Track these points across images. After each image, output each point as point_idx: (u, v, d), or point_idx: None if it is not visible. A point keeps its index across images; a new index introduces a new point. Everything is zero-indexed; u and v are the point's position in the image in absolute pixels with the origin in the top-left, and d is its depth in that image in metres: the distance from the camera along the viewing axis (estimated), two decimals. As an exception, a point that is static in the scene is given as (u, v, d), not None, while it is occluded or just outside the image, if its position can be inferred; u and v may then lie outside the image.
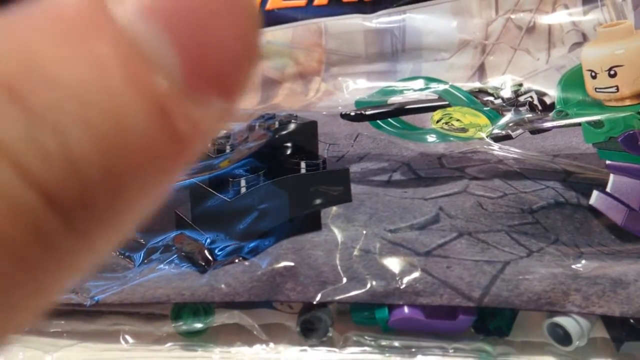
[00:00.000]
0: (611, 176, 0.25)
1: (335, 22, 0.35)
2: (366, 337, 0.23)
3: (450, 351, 0.22)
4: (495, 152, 0.26)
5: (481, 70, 0.34)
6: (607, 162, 0.25)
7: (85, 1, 0.07)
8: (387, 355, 0.22)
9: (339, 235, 0.24)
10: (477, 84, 0.33)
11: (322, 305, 0.23)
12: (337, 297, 0.23)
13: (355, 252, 0.24)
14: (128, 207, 0.08)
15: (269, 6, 0.36)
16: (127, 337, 0.23)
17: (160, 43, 0.07)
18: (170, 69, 0.07)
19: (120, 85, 0.07)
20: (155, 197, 0.08)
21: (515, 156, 0.26)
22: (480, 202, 0.25)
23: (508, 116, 0.29)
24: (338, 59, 0.35)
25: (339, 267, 0.23)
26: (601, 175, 0.25)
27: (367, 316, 0.23)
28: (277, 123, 0.29)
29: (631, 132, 0.26)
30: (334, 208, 0.25)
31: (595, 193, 0.25)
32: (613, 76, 0.30)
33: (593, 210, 0.24)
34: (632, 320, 0.22)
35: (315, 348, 0.23)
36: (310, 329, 0.23)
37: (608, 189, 0.25)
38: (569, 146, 0.26)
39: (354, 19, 0.35)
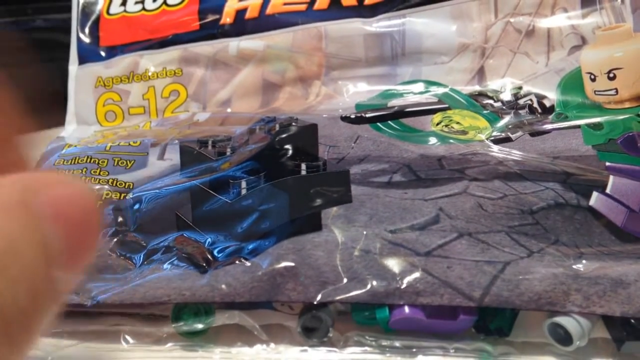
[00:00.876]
0: (611, 178, 0.25)
1: (335, 26, 0.35)
2: (367, 337, 0.23)
3: (451, 351, 0.22)
4: (495, 154, 0.26)
5: (481, 74, 0.34)
6: (607, 163, 0.25)
7: (16, 191, 0.11)
8: (387, 355, 0.22)
9: (339, 236, 0.24)
10: (476, 87, 0.33)
11: (323, 305, 0.23)
12: (338, 297, 0.23)
13: (356, 253, 0.24)
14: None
15: (269, 11, 0.36)
16: (128, 337, 0.23)
17: (55, 236, 0.11)
18: (54, 244, 0.11)
19: (25, 248, 0.11)
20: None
21: (515, 158, 0.26)
22: (480, 203, 0.25)
23: (507, 119, 0.29)
24: (338, 63, 0.35)
25: (339, 268, 0.23)
26: (601, 176, 0.25)
27: (368, 316, 0.23)
28: (277, 126, 0.29)
29: (630, 134, 0.26)
30: (335, 209, 0.25)
31: (595, 194, 0.25)
32: (612, 79, 0.30)
33: (593, 211, 0.24)
34: (632, 320, 0.22)
35: (316, 348, 0.23)
36: (310, 329, 0.23)
37: (608, 190, 0.25)
38: (568, 148, 0.26)
39: (354, 23, 0.35)
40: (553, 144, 0.26)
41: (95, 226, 0.12)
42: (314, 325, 0.23)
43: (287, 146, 0.28)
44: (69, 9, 0.38)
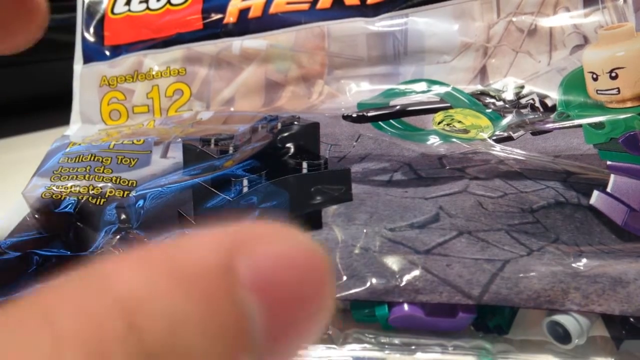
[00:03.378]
0: (612, 176, 0.25)
1: (338, 26, 0.35)
2: (366, 335, 0.23)
3: (450, 349, 0.22)
4: (496, 153, 0.26)
5: (483, 73, 0.34)
6: (608, 162, 0.25)
7: (215, 267, 0.08)
8: (387, 352, 0.22)
9: (339, 234, 0.25)
10: (478, 87, 0.33)
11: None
12: (338, 295, 0.23)
13: (356, 251, 0.24)
14: None
15: (272, 10, 0.36)
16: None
17: (255, 312, 0.08)
18: (255, 332, 0.08)
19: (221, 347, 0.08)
20: None
21: (516, 157, 0.26)
22: (481, 201, 0.25)
23: (509, 117, 0.29)
24: (341, 62, 0.35)
25: (339, 265, 0.24)
26: (602, 175, 0.25)
27: (367, 313, 0.23)
28: (279, 124, 0.29)
29: (632, 133, 0.26)
30: (335, 207, 0.25)
31: (595, 193, 0.25)
32: (614, 78, 0.30)
33: (593, 210, 0.24)
34: (632, 319, 0.22)
35: (315, 345, 0.23)
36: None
37: (609, 189, 0.25)
38: (570, 147, 0.26)
39: (357, 22, 0.35)
40: (554, 142, 0.26)
41: (319, 297, 0.09)
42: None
43: (289, 145, 0.28)
44: (69, 9, 0.38)
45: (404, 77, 0.34)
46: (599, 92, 0.30)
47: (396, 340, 0.23)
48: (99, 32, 0.38)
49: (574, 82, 0.31)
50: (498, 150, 0.26)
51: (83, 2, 0.39)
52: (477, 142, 0.27)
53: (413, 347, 0.22)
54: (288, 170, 0.27)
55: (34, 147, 0.31)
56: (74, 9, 0.38)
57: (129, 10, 0.38)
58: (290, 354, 0.09)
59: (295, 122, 0.29)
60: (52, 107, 0.40)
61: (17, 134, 0.43)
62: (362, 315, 0.23)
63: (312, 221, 0.25)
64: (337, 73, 0.35)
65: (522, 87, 0.32)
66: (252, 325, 0.08)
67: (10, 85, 0.42)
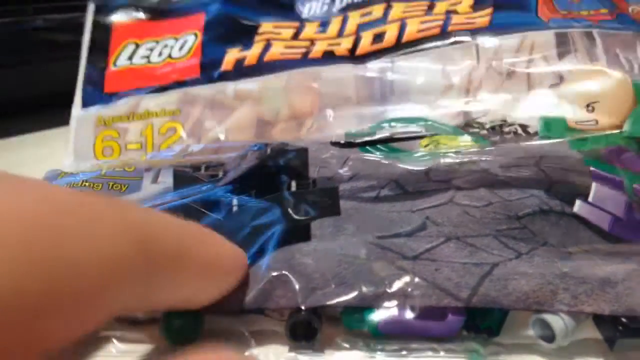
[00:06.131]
0: (593, 185, 0.26)
1: (328, 69, 0.37)
2: (356, 341, 0.22)
3: (442, 352, 0.22)
4: (482, 163, 0.27)
5: (466, 111, 0.35)
6: (592, 168, 0.26)
7: None
8: (378, 358, 0.22)
9: (327, 244, 0.25)
10: (462, 122, 0.34)
11: (312, 311, 0.23)
12: (327, 302, 0.23)
13: (344, 259, 0.24)
14: None
15: (267, 58, 0.38)
16: (117, 342, 0.23)
17: None
18: None
19: None
20: None
21: (501, 162, 0.27)
22: (467, 210, 0.25)
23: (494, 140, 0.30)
24: (330, 102, 0.37)
25: (327, 274, 0.23)
26: (584, 182, 0.25)
27: (357, 319, 0.23)
28: (269, 150, 0.30)
29: (614, 147, 0.27)
30: (323, 220, 0.26)
31: (578, 202, 0.25)
32: (591, 111, 0.32)
33: (578, 217, 0.25)
34: (624, 319, 0.22)
35: (304, 352, 0.22)
36: (299, 333, 0.23)
37: (590, 199, 0.25)
38: (554, 149, 0.27)
39: (346, 67, 0.37)
40: (539, 146, 0.27)
41: None
42: (303, 329, 0.23)
43: (278, 166, 0.28)
44: (69, 9, 0.40)
45: (390, 114, 0.35)
46: (578, 122, 0.31)
47: (387, 347, 0.22)
48: (100, 82, 0.40)
49: (554, 114, 0.33)
50: (482, 159, 0.27)
51: (87, 55, 0.41)
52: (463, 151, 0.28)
53: (404, 353, 0.22)
54: (277, 189, 0.27)
55: (34, 147, 0.31)
56: (75, 9, 0.39)
57: (131, 63, 0.40)
58: None
59: (285, 148, 0.30)
60: (52, 107, 0.40)
61: (17, 134, 0.43)
62: (351, 321, 0.23)
63: (301, 233, 0.25)
64: (327, 112, 0.36)
65: (505, 120, 0.33)
66: None
67: (10, 85, 0.42)
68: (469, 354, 0.21)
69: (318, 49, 0.39)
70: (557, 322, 0.21)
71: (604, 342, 0.22)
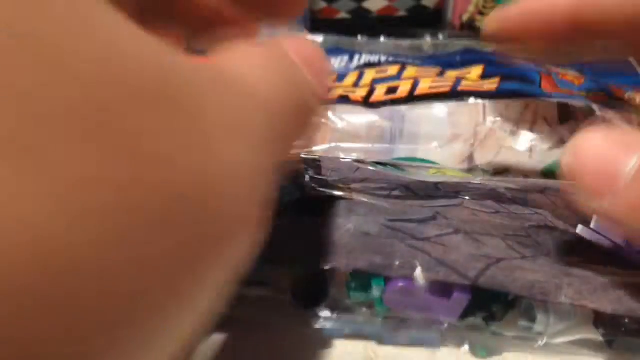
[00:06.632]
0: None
1: (342, 107, 0.39)
2: (362, 309, 0.22)
3: (444, 326, 0.21)
4: (489, 185, 0.28)
5: (470, 158, 0.37)
6: None
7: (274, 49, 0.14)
8: (380, 325, 0.21)
9: (339, 220, 0.25)
10: (466, 167, 0.36)
11: (318, 277, 0.23)
12: (335, 265, 0.23)
13: (355, 233, 0.24)
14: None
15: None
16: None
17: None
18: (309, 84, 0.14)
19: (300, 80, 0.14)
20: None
21: (508, 186, 0.28)
22: (475, 213, 0.26)
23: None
24: (341, 138, 0.38)
25: (336, 245, 0.24)
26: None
27: (363, 288, 0.23)
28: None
29: None
30: (335, 201, 0.26)
31: (580, 227, 0.26)
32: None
33: (582, 238, 0.26)
34: (626, 320, 0.22)
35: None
36: (304, 297, 0.22)
37: (592, 226, 0.26)
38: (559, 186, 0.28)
39: (359, 109, 0.39)
40: (545, 181, 0.29)
41: (326, 68, 0.15)
42: (307, 292, 0.22)
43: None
44: None
45: (398, 153, 0.37)
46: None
47: (390, 316, 0.22)
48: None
49: (554, 168, 0.34)
50: (491, 182, 0.28)
51: None
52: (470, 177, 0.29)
53: (407, 321, 0.22)
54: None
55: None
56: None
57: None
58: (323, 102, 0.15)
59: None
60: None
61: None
62: (358, 286, 0.23)
63: (313, 208, 0.26)
64: (337, 145, 0.38)
65: (508, 170, 0.35)
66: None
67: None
68: (471, 330, 0.21)
69: (334, 93, 0.41)
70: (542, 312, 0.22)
71: (603, 342, 0.22)
